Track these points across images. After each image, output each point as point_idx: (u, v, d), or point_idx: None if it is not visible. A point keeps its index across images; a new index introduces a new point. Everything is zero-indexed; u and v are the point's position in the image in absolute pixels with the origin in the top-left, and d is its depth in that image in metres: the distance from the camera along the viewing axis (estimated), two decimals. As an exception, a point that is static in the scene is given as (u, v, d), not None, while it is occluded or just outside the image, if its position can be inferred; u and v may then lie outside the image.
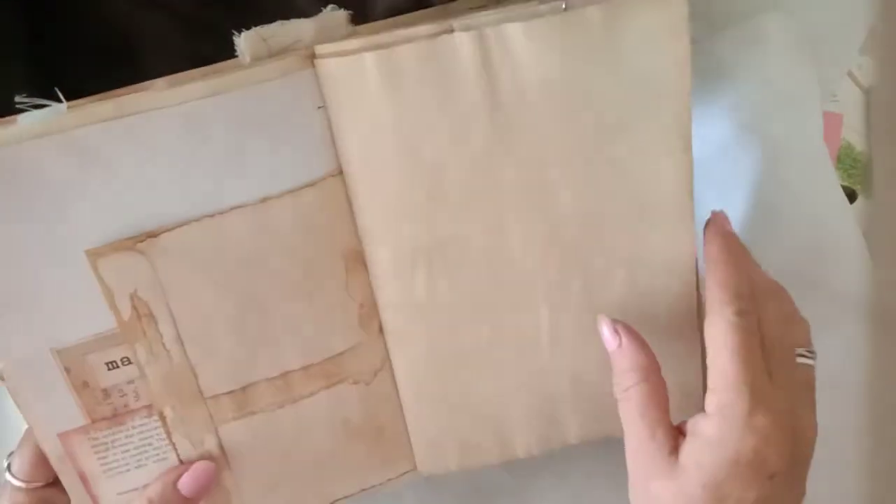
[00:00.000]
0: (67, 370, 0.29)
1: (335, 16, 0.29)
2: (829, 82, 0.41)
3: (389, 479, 0.35)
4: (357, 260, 0.31)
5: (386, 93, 0.28)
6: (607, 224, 0.31)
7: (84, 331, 0.28)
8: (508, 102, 0.29)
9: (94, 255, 0.27)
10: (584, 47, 0.28)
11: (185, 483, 0.31)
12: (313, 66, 0.28)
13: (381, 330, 0.33)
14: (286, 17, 0.29)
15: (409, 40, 0.27)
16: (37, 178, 0.26)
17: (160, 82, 0.28)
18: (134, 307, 0.28)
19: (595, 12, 0.28)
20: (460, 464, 0.35)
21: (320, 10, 0.29)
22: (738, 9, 0.40)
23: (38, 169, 0.26)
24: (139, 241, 0.28)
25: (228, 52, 0.28)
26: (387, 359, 0.34)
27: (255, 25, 0.28)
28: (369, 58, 0.27)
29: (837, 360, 0.31)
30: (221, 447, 0.32)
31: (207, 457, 0.32)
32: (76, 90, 0.27)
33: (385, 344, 0.33)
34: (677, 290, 0.32)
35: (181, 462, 0.31)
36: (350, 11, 0.29)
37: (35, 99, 0.26)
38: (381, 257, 0.31)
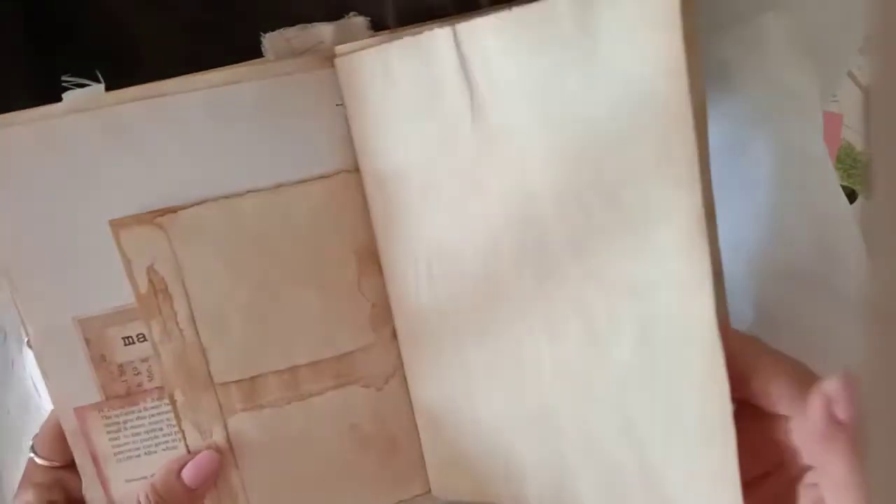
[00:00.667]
0: (87, 341, 0.30)
1: (356, 21, 0.31)
2: (829, 82, 0.41)
3: (401, 501, 0.34)
4: (372, 259, 0.32)
5: (384, 90, 0.29)
6: (602, 257, 0.26)
7: (105, 302, 0.30)
8: (486, 103, 0.27)
9: (117, 225, 0.29)
10: (555, 45, 0.25)
11: (189, 472, 0.31)
12: (333, 66, 0.30)
13: (394, 335, 0.33)
14: (287, 19, 0.30)
15: (400, 38, 0.29)
16: (72, 150, 0.29)
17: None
18: (151, 281, 0.30)
19: (563, 4, 0.24)
20: (473, 495, 0.33)
21: (322, 13, 0.30)
22: (738, 9, 0.39)
23: (73, 141, 0.29)
24: (159, 215, 0.30)
25: (229, 54, 0.30)
26: (400, 366, 0.33)
27: (257, 27, 0.29)
28: (369, 54, 0.29)
29: (837, 360, 0.31)
30: (229, 441, 0.32)
31: (215, 449, 0.32)
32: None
33: (398, 351, 0.33)
34: (695, 344, 0.25)
35: (189, 452, 0.32)
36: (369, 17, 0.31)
37: (78, 79, 0.29)
38: (390, 261, 0.32)
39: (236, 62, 0.31)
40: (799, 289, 0.30)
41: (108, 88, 0.30)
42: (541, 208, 0.27)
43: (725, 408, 0.24)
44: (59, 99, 0.30)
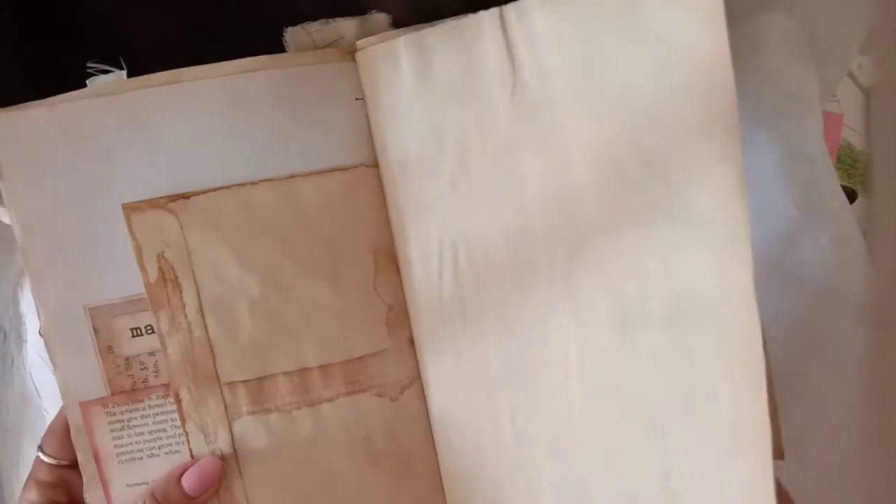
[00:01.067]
0: (96, 331, 0.30)
1: (377, 17, 0.32)
2: (829, 82, 0.41)
3: None
4: (389, 259, 0.32)
5: (416, 77, 0.29)
6: (636, 227, 0.26)
7: (115, 291, 0.30)
8: (529, 81, 0.28)
9: (130, 209, 0.30)
10: (599, 13, 0.26)
11: (189, 478, 0.30)
12: (353, 60, 0.31)
13: (411, 342, 0.32)
14: (287, 17, 0.30)
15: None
16: (90, 133, 0.29)
17: None
18: (160, 269, 0.30)
19: None
20: None
21: (322, 11, 0.30)
22: (738, 9, 0.39)
23: (92, 125, 0.29)
24: (172, 200, 0.30)
25: (228, 53, 0.29)
26: (416, 377, 0.32)
27: (256, 26, 0.29)
28: (402, 42, 0.29)
29: (838, 360, 0.31)
30: (234, 446, 0.31)
31: (219, 455, 0.31)
32: (77, 90, 0.28)
33: (415, 360, 0.32)
34: (732, 338, 0.24)
35: (192, 457, 0.31)
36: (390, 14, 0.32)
37: (102, 65, 0.30)
38: (410, 256, 0.31)
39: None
40: (799, 288, 0.30)
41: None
42: (578, 182, 0.27)
43: (760, 402, 0.23)
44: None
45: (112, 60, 0.30)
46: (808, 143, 0.38)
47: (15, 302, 0.44)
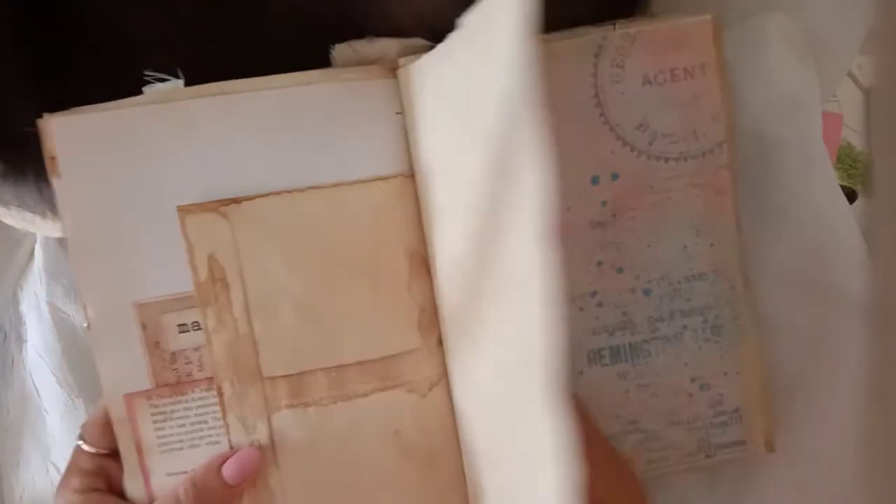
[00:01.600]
0: (144, 326, 0.32)
1: (418, 41, 0.34)
2: (829, 82, 0.41)
3: None
4: (422, 263, 0.34)
5: (436, 96, 0.31)
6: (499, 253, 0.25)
7: (164, 288, 0.32)
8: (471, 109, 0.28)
9: (184, 211, 0.31)
10: (462, 59, 0.26)
11: (229, 469, 0.32)
12: (395, 77, 0.33)
13: (440, 342, 0.34)
14: (287, 17, 0.30)
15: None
16: (145, 139, 0.31)
17: None
18: (210, 269, 0.32)
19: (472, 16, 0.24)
20: None
21: (322, 10, 0.30)
22: (738, 9, 0.39)
23: (147, 130, 0.31)
24: (224, 204, 0.31)
25: (228, 53, 0.29)
26: (444, 375, 0.34)
27: (256, 26, 0.29)
28: (425, 61, 0.31)
29: (838, 360, 0.31)
30: (272, 438, 0.33)
31: (257, 447, 0.33)
32: (77, 90, 0.28)
33: (443, 358, 0.34)
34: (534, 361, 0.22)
35: (232, 448, 0.33)
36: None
37: (158, 74, 0.31)
38: (437, 262, 0.33)
39: (237, 62, 0.32)
40: (798, 290, 0.30)
41: (107, 89, 0.31)
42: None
43: (557, 424, 0.20)
44: (59, 99, 0.31)
45: (170, 71, 0.32)
46: (808, 143, 0.38)
47: (15, 302, 0.44)
